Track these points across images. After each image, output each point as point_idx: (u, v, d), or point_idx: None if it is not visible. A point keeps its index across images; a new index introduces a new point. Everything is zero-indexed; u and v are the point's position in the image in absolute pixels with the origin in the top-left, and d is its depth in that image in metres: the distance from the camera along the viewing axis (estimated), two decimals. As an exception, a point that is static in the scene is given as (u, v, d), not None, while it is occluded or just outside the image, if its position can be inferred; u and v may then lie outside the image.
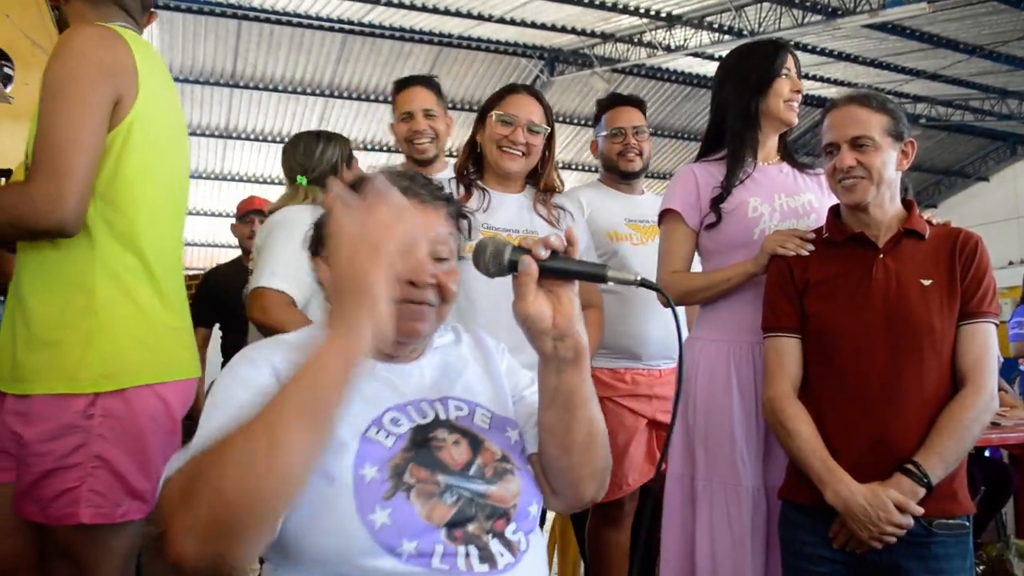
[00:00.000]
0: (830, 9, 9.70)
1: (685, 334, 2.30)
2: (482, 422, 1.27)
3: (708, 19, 10.37)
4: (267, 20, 10.23)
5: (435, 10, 10.00)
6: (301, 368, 0.97)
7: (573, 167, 13.99)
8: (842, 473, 1.73)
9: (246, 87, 11.48)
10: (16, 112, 2.94)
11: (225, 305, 3.72)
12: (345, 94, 11.85)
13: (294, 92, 11.73)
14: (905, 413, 1.74)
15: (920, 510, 1.69)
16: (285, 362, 1.19)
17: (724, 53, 2.43)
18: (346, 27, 10.45)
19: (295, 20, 10.24)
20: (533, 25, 10.58)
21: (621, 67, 11.60)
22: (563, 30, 10.86)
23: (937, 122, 14.15)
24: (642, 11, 10.29)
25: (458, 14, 10.15)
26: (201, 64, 10.95)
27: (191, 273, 4.22)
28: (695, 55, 11.15)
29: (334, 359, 0.97)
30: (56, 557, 1.63)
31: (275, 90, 11.65)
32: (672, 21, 10.46)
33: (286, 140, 2.75)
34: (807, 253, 1.91)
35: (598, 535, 2.67)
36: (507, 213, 2.21)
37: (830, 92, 12.27)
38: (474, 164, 2.28)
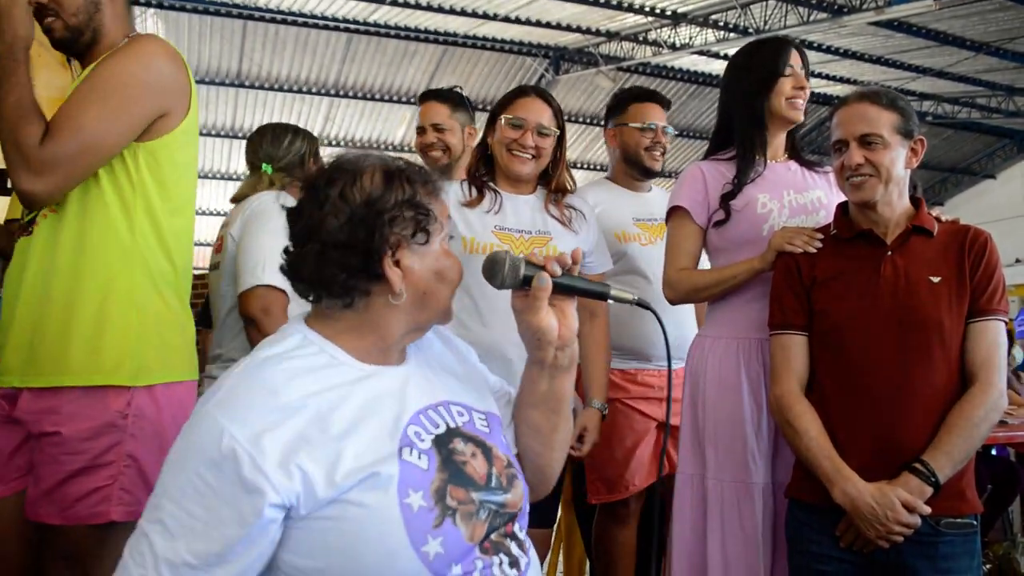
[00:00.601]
0: (836, 6, 9.67)
1: (690, 335, 2.33)
2: (482, 426, 1.27)
3: (713, 17, 10.36)
4: (272, 20, 10.25)
5: (440, 9, 10.00)
6: None
7: (579, 165, 13.99)
8: (849, 472, 1.72)
9: (251, 87, 11.51)
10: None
11: None
12: (350, 94, 11.88)
13: (299, 92, 11.76)
14: (913, 411, 1.73)
15: (928, 509, 1.68)
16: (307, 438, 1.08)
17: (730, 51, 2.44)
18: (351, 27, 10.47)
19: (300, 20, 10.26)
20: (538, 24, 10.58)
21: (626, 65, 11.61)
22: (568, 28, 10.86)
23: (943, 119, 14.11)
24: (647, 9, 10.28)
25: (463, 13, 10.15)
26: (207, 64, 10.98)
27: (197, 272, 4.21)
28: (700, 53, 11.15)
29: None
30: (58, 560, 1.63)
31: (280, 90, 11.67)
32: (677, 19, 10.45)
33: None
34: (815, 250, 1.90)
35: (605, 533, 2.67)
36: (519, 215, 2.21)
37: (836, 90, 12.25)
38: (485, 166, 2.28)
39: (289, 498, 1.05)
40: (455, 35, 10.89)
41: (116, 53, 1.65)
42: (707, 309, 2.22)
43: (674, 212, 2.18)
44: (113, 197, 1.64)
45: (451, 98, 2.81)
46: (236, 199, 2.57)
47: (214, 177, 13.52)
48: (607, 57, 11.45)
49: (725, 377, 2.06)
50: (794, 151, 2.23)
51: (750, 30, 10.12)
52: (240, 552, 1.04)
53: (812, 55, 10.92)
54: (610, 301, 1.28)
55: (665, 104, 2.82)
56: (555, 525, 3.71)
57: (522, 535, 1.23)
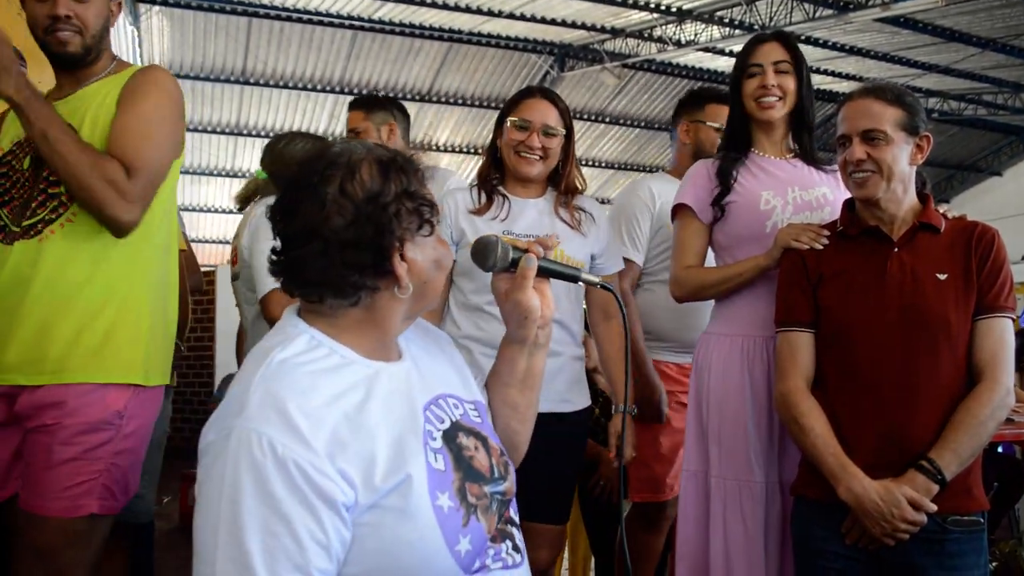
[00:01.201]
0: (841, 3, 9.63)
1: (700, 333, 2.31)
2: (475, 417, 1.28)
3: (719, 14, 10.32)
4: (277, 17, 10.24)
5: (445, 6, 9.99)
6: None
7: (584, 163, 13.97)
8: (855, 469, 1.72)
9: (256, 84, 11.50)
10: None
11: None
12: (355, 91, 11.85)
13: (304, 89, 11.75)
14: (919, 408, 1.72)
15: (934, 507, 1.68)
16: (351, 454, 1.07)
17: (735, 48, 2.45)
18: (356, 24, 10.45)
19: (305, 17, 10.26)
20: (543, 21, 10.56)
21: (631, 62, 11.57)
22: (573, 25, 10.83)
23: (950, 116, 14.04)
24: (652, 6, 10.25)
25: (468, 10, 10.14)
26: (212, 61, 10.97)
27: (205, 270, 4.23)
28: (706, 50, 11.10)
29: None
30: (28, 552, 1.67)
31: (286, 87, 11.66)
32: (682, 16, 10.42)
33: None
34: (821, 247, 1.90)
35: (633, 535, 2.69)
36: (527, 219, 2.21)
37: (841, 87, 12.20)
38: (496, 170, 2.29)
39: (348, 499, 1.05)
40: (460, 32, 10.87)
41: (145, 85, 1.80)
42: (713, 306, 2.22)
43: (679, 210, 2.19)
44: None
45: (364, 103, 2.97)
46: (238, 199, 2.78)
47: (219, 175, 13.53)
48: (612, 54, 11.42)
49: (729, 375, 2.06)
50: (801, 148, 2.22)
51: (756, 27, 10.07)
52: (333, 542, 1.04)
53: (817, 52, 10.97)
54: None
55: None
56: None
57: (516, 517, 1.27)
